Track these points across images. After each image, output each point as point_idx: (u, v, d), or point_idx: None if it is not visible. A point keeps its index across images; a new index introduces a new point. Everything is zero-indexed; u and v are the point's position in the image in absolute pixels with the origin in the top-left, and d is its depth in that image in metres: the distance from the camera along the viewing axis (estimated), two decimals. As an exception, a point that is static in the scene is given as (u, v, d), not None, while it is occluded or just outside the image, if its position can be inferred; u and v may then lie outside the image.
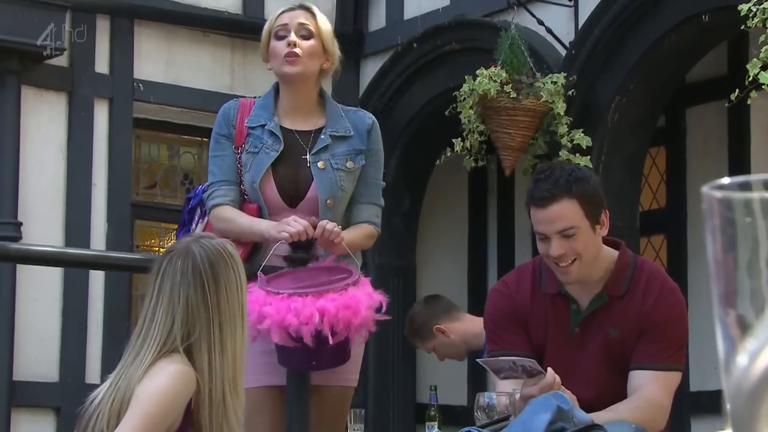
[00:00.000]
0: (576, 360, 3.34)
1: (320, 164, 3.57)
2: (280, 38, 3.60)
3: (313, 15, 3.66)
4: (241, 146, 3.59)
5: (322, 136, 3.61)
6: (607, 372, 3.35)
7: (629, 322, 3.33)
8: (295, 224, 3.43)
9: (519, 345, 3.37)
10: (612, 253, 3.40)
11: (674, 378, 3.36)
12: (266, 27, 3.68)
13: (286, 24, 3.62)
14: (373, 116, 3.74)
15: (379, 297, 3.50)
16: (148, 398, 2.63)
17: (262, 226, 3.49)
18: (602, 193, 3.37)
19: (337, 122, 3.63)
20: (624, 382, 3.34)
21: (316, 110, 3.67)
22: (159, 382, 2.64)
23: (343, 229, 3.59)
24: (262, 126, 3.61)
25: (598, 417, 3.21)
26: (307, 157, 3.58)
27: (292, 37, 3.59)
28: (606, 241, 3.41)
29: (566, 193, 3.23)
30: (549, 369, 3.19)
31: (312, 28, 3.63)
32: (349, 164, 3.59)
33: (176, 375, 2.66)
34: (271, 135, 3.59)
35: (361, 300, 3.42)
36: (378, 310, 3.49)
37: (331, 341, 3.34)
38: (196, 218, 3.72)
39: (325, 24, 3.69)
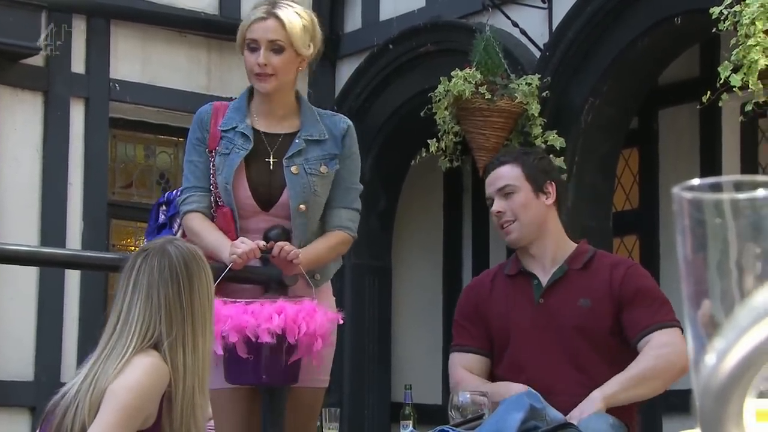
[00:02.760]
0: (545, 329, 3.42)
1: (293, 169, 3.53)
2: (252, 50, 3.54)
3: (284, 25, 3.53)
4: (215, 149, 3.57)
5: (297, 140, 3.56)
6: (576, 341, 3.41)
7: (599, 294, 3.43)
8: (241, 247, 3.42)
9: (473, 341, 3.53)
10: (573, 244, 3.58)
11: (679, 333, 3.37)
12: (240, 30, 3.59)
13: (256, 39, 3.53)
14: (349, 120, 3.69)
15: (334, 315, 3.51)
16: (123, 392, 2.65)
17: (224, 255, 3.44)
18: (551, 168, 3.60)
19: (312, 126, 3.59)
20: (593, 351, 3.40)
21: (291, 114, 3.63)
22: (134, 375, 2.67)
23: (317, 236, 3.58)
24: (234, 128, 3.58)
25: (611, 383, 3.29)
26: (270, 159, 3.54)
27: (262, 58, 3.50)
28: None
29: (510, 160, 3.55)
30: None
31: (283, 40, 3.53)
32: (323, 169, 3.54)
33: (151, 368, 2.69)
34: (242, 136, 3.56)
35: (318, 310, 3.43)
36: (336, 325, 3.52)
37: (291, 341, 3.35)
38: (178, 222, 3.72)
39: (296, 28, 3.55)
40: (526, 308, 3.46)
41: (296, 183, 3.52)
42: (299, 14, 3.59)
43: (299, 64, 3.59)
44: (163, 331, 2.73)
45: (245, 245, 3.42)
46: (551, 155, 6.54)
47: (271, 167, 3.53)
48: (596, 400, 3.30)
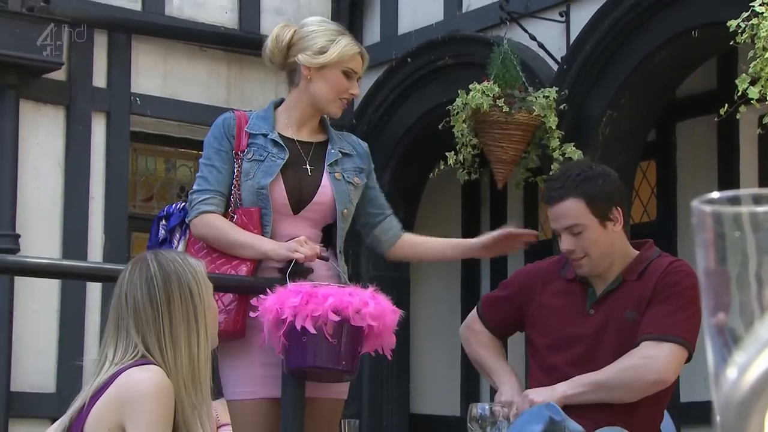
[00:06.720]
0: (595, 340, 3.39)
1: (336, 175, 3.66)
2: (347, 77, 3.69)
3: (364, 62, 3.77)
4: (242, 152, 3.63)
5: (332, 150, 3.69)
6: (614, 357, 3.35)
7: (646, 302, 3.37)
8: (308, 247, 3.49)
9: (498, 322, 3.63)
10: (635, 251, 3.49)
11: (672, 349, 3.32)
12: (336, 52, 3.66)
13: (356, 71, 3.71)
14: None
15: (397, 310, 3.56)
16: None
17: (266, 246, 3.52)
18: (614, 190, 3.44)
19: (340, 141, 3.74)
20: None
21: (317, 128, 3.76)
22: (151, 409, 2.69)
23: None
24: (264, 135, 3.65)
25: (577, 383, 3.30)
26: (307, 166, 3.65)
27: (356, 88, 3.73)
28: (636, 245, 3.51)
29: (572, 192, 3.39)
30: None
31: (360, 74, 3.77)
32: (356, 180, 3.70)
33: (156, 389, 2.71)
34: (275, 144, 3.64)
35: (385, 302, 3.49)
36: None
37: (367, 315, 3.38)
38: (178, 236, 3.71)
39: None
40: (575, 316, 3.43)
41: (339, 189, 3.65)
42: None
43: None
44: (143, 332, 2.75)
45: (308, 247, 3.49)
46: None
47: (309, 173, 3.65)
48: (556, 394, 3.30)
